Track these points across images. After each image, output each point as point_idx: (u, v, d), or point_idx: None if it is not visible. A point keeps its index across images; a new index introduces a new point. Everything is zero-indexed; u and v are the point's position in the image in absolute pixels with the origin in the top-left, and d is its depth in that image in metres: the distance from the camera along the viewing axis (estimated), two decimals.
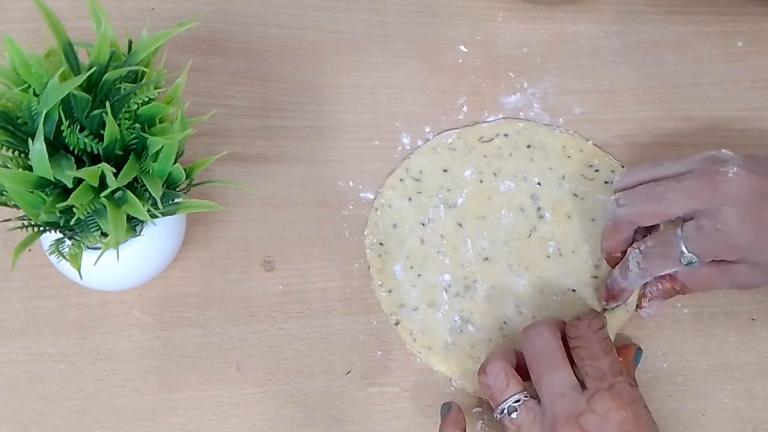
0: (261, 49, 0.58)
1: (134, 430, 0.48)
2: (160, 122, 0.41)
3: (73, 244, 0.42)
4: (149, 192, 0.40)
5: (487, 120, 0.56)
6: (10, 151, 0.40)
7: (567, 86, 0.58)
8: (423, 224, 0.53)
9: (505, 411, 0.45)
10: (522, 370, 0.46)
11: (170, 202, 0.42)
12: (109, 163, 0.39)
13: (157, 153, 0.40)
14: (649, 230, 0.50)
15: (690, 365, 0.51)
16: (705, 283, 0.48)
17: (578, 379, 0.44)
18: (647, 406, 0.44)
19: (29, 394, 0.49)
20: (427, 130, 0.56)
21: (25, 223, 0.41)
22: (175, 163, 0.41)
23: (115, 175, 0.38)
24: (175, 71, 0.44)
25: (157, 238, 0.46)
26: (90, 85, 0.40)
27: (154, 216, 0.41)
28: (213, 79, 0.57)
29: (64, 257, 0.42)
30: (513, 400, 0.45)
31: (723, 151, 0.47)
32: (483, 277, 0.52)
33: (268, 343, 0.51)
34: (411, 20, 0.59)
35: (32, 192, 0.39)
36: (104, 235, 0.42)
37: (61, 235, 0.42)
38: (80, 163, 0.40)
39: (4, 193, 0.40)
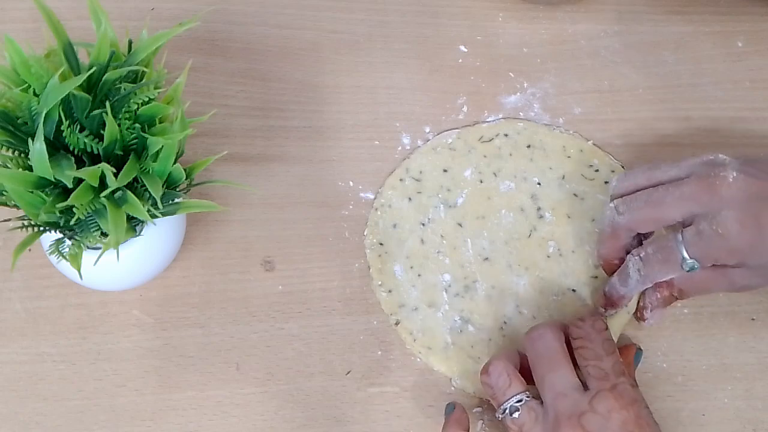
0: (261, 49, 0.58)
1: (134, 430, 0.48)
2: (160, 122, 0.41)
3: (73, 244, 0.42)
4: (149, 192, 0.40)
5: (487, 120, 0.56)
6: (10, 151, 0.40)
7: (567, 86, 0.58)
8: (423, 224, 0.53)
9: (507, 411, 0.45)
10: (525, 373, 0.46)
11: (170, 202, 0.42)
12: (109, 163, 0.39)
13: (157, 153, 0.40)
14: (645, 236, 0.50)
15: (690, 365, 0.51)
16: (702, 286, 0.48)
17: (580, 380, 0.44)
18: (648, 407, 0.44)
19: (29, 394, 0.48)
20: (427, 130, 0.56)
21: (25, 223, 0.41)
22: (175, 163, 0.41)
23: (115, 175, 0.38)
24: (175, 71, 0.44)
25: (157, 238, 0.46)
26: (90, 85, 0.40)
27: (154, 216, 0.41)
28: (213, 79, 0.57)
29: (64, 257, 0.42)
30: (515, 400, 0.45)
31: (719, 155, 0.47)
32: (483, 277, 0.52)
33: (268, 343, 0.50)
34: (411, 20, 0.59)
35: (32, 192, 0.39)
36: (104, 235, 0.42)
37: (61, 235, 0.42)
38: (80, 163, 0.40)
39: (4, 193, 0.40)
